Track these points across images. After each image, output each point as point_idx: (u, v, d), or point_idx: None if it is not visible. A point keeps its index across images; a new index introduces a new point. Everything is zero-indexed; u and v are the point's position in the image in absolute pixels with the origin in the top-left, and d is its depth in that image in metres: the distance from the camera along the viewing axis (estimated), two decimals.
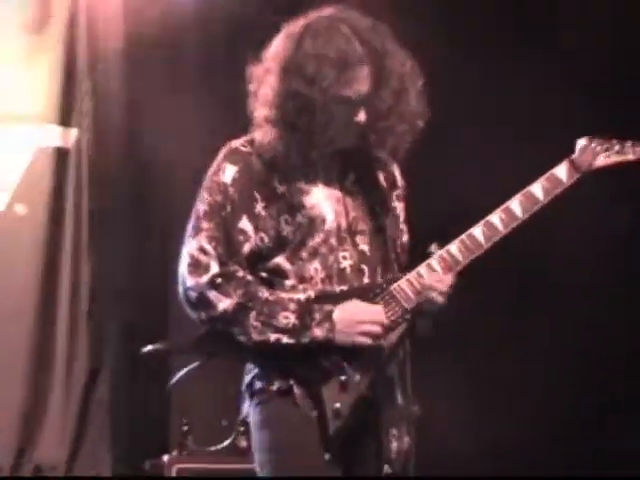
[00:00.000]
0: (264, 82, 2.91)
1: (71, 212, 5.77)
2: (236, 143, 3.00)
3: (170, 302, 5.46)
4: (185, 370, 4.90)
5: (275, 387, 2.87)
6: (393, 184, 3.11)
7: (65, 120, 5.79)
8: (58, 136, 5.78)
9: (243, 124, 3.00)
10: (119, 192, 5.83)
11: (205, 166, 3.04)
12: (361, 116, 2.87)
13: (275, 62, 2.90)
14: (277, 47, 2.93)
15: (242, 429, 4.53)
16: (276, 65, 2.89)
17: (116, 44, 5.73)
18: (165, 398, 5.48)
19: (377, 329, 2.82)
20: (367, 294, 2.89)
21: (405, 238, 3.12)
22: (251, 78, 2.95)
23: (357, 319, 2.84)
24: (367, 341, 2.81)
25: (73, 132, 5.78)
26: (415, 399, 2.92)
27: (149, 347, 4.97)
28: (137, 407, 5.65)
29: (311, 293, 2.86)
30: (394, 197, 3.10)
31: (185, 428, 4.89)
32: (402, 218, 3.11)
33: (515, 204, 3.00)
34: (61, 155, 5.77)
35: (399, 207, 3.11)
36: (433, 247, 2.97)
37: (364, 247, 2.95)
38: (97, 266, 5.76)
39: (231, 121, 3.24)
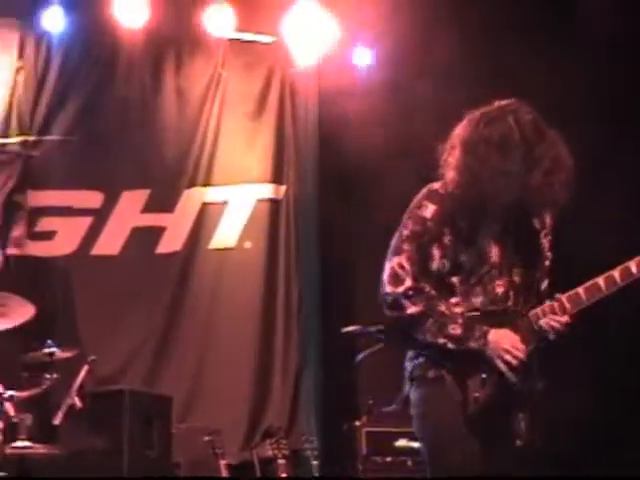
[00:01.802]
0: (451, 153, 3.42)
1: (283, 247, 7.19)
2: (435, 186, 3.47)
3: (353, 309, 6.86)
4: (370, 350, 5.75)
5: (430, 375, 3.37)
6: (543, 225, 3.50)
7: (277, 179, 7.29)
8: (272, 191, 7.29)
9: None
10: (312, 231, 7.17)
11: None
12: (514, 184, 3.33)
13: (458, 140, 3.42)
14: (461, 128, 3.45)
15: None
16: (458, 142, 3.41)
17: (313, 126, 7.21)
18: (354, 373, 6.46)
19: (514, 361, 3.29)
20: (510, 315, 3.37)
21: (547, 263, 3.50)
22: (442, 149, 3.46)
23: (504, 346, 3.30)
24: (503, 368, 3.30)
25: (283, 188, 7.29)
26: (539, 376, 3.40)
27: (347, 328, 5.74)
28: (334, 382, 6.74)
29: (474, 313, 3.33)
30: (542, 235, 3.49)
31: (371, 401, 5.82)
32: (547, 248, 3.50)
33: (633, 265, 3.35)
34: (275, 205, 7.26)
35: (546, 242, 3.50)
36: (558, 294, 3.37)
37: (516, 278, 3.41)
38: (302, 286, 7.14)
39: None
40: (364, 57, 7.30)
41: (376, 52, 7.25)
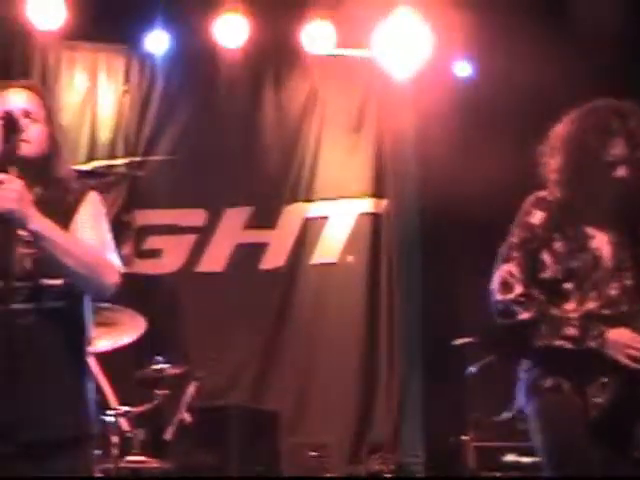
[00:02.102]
0: (552, 155, 3.44)
1: (384, 260, 7.22)
2: (542, 194, 3.47)
3: (456, 321, 6.80)
4: (481, 362, 5.74)
5: (547, 384, 3.33)
6: None
7: (378, 193, 7.32)
8: (373, 205, 7.33)
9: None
10: (413, 244, 7.21)
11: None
12: (620, 172, 3.35)
13: (557, 139, 3.45)
14: (559, 127, 3.48)
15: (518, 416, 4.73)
16: (558, 141, 3.44)
17: (412, 139, 7.25)
18: (460, 386, 6.27)
19: (638, 354, 3.26)
20: (626, 318, 3.33)
21: None
22: (542, 152, 3.49)
23: (624, 342, 3.27)
24: (629, 362, 3.25)
25: (383, 202, 7.31)
26: None
27: (460, 340, 5.81)
28: (439, 395, 6.62)
29: (589, 314, 3.30)
30: None
31: (478, 415, 5.82)
32: None
33: None
34: (376, 218, 7.29)
35: None
36: None
37: (627, 282, 3.39)
38: (403, 296, 7.15)
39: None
40: (463, 70, 7.29)
41: (476, 65, 7.24)
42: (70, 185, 3.35)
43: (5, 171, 3.08)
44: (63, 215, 3.25)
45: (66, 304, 3.17)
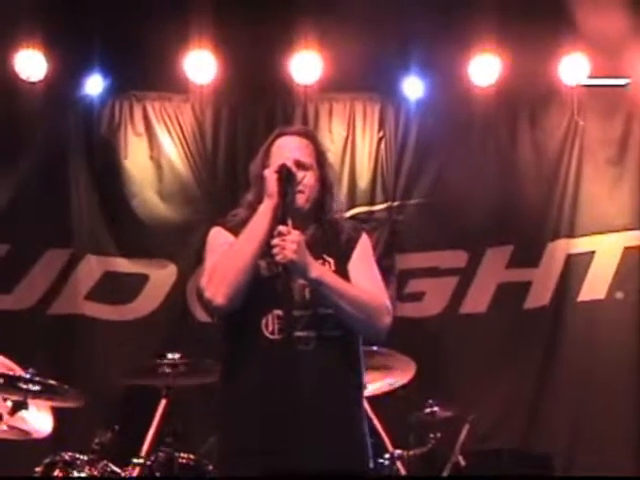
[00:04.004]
0: None
1: None
2: None
3: None
4: None
5: None
6: None
7: None
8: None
9: None
10: None
11: None
12: None
13: None
14: None
15: None
16: None
17: None
18: None
19: None
20: None
21: None
22: None
23: None
24: None
25: None
26: None
27: None
28: None
29: None
30: None
31: None
32: None
33: None
34: None
35: None
36: None
37: None
38: None
39: None
40: None
41: None
42: (342, 225, 3.46)
43: (284, 223, 3.22)
44: (338, 255, 3.35)
45: (343, 333, 3.25)
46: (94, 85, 7.09)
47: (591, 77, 7.07)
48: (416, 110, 7.25)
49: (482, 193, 7.18)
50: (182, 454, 4.94)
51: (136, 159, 7.19)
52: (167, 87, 7.21)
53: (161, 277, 7.05)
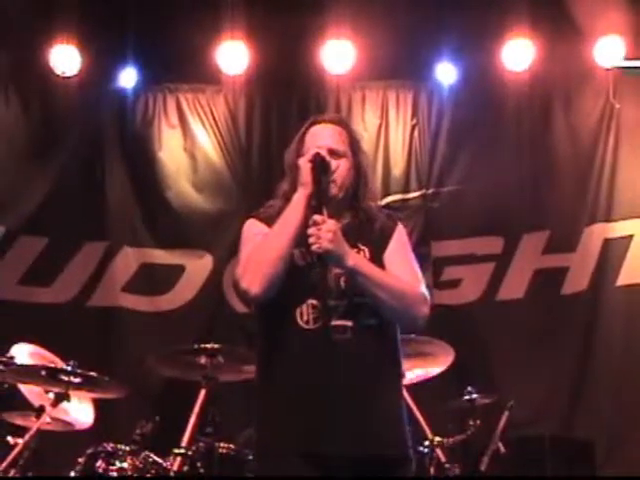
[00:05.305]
0: None
1: None
2: None
3: None
4: None
5: None
6: None
7: None
8: None
9: None
10: None
11: None
12: None
13: None
14: None
15: None
16: None
17: None
18: None
19: None
20: None
21: None
22: None
23: None
24: None
25: None
26: None
27: None
28: None
29: None
30: None
31: None
32: None
33: None
34: None
35: None
36: None
37: None
38: None
39: None
40: None
41: None
42: (376, 214, 3.44)
43: (320, 212, 3.21)
44: (372, 244, 3.34)
45: (380, 322, 3.25)
46: (128, 78, 7.15)
47: (626, 58, 6.97)
48: (449, 96, 7.23)
49: (517, 178, 7.14)
50: (222, 444, 4.97)
51: (170, 151, 7.24)
52: (200, 78, 7.25)
53: (197, 267, 7.09)
